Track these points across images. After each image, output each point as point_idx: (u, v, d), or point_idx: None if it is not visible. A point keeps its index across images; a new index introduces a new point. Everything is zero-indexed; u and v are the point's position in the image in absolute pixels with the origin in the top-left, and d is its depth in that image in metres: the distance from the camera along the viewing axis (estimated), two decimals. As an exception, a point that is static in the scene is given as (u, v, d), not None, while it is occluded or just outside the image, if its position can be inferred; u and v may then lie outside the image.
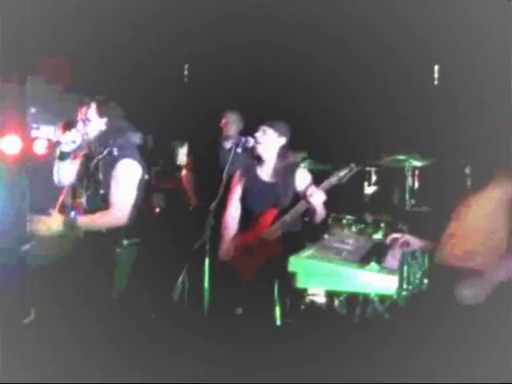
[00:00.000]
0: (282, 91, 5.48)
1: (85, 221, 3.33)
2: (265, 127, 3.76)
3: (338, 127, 5.58)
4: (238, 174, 3.81)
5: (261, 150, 3.77)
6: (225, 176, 3.53)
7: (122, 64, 5.09)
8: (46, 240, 3.42)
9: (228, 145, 4.96)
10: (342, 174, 3.58)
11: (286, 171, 3.78)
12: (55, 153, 3.56)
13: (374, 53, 5.29)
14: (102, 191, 3.38)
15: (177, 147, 5.52)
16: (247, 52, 5.32)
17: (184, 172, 5.17)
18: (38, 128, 4.27)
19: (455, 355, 2.82)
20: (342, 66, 5.36)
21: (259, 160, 3.82)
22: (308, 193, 3.59)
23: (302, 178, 3.80)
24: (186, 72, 5.95)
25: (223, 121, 5.03)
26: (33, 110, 5.32)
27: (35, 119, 5.02)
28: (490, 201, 2.70)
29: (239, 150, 3.59)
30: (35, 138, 3.49)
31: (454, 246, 2.76)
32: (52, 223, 3.29)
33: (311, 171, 5.24)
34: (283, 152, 3.81)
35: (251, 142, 3.68)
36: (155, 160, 6.05)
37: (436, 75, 5.50)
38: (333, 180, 3.59)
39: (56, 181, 3.59)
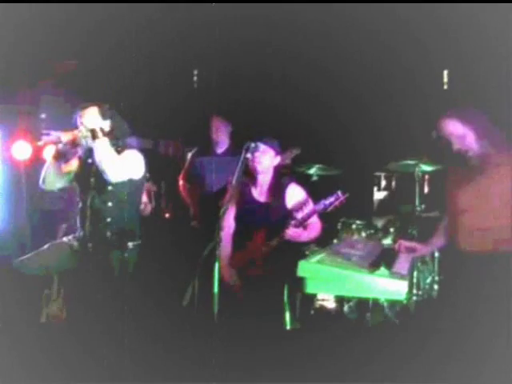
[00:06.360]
0: (291, 98, 5.46)
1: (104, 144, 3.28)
2: (262, 146, 3.68)
3: (348, 133, 5.56)
4: (230, 193, 3.53)
5: (259, 170, 3.75)
6: (234, 182, 3.50)
7: (131, 69, 5.11)
8: (44, 253, 3.44)
9: (220, 150, 4.96)
10: (327, 202, 3.55)
11: (277, 190, 3.78)
12: (50, 151, 3.48)
13: (383, 58, 5.27)
14: (110, 187, 3.38)
15: (186, 153, 5.49)
16: (258, 59, 5.32)
17: (181, 182, 5.10)
18: (48, 134, 4.29)
19: (463, 361, 2.81)
20: (351, 72, 5.35)
21: (253, 178, 3.79)
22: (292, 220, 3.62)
23: (292, 196, 3.78)
24: (195, 78, 5.96)
25: (213, 126, 4.95)
26: (43, 116, 5.35)
27: (46, 125, 5.04)
28: None
29: (249, 156, 3.51)
30: (45, 144, 3.44)
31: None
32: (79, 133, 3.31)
33: (321, 177, 5.33)
34: (277, 170, 3.82)
35: (261, 147, 3.65)
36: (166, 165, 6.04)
37: (445, 80, 5.48)
38: (318, 208, 3.58)
39: (42, 183, 3.45)
